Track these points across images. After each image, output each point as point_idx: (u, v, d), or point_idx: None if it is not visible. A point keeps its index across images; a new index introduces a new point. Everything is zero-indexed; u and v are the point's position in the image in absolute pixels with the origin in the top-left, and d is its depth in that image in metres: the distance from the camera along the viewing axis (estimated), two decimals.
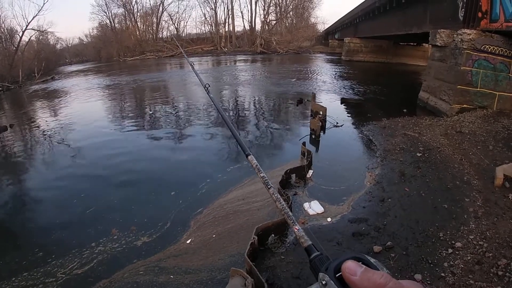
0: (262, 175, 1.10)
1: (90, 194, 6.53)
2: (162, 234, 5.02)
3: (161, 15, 60.38)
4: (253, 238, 4.11)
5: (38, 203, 6.65)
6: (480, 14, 9.65)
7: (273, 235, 4.55)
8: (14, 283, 4.15)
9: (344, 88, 17.68)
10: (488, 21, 9.57)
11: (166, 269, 4.25)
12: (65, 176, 7.67)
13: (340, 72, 25.13)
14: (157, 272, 4.20)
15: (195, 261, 4.36)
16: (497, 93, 9.78)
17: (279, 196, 1.01)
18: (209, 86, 2.49)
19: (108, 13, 59.35)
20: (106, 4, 58.29)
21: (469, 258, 3.94)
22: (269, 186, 1.05)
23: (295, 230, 0.85)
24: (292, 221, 0.88)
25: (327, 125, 10.21)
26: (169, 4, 77.57)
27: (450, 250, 4.10)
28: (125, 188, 6.82)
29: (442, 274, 3.72)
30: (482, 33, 9.54)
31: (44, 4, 42.21)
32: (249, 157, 1.25)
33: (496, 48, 9.52)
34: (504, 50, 9.51)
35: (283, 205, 0.97)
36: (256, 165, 1.16)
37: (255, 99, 16.38)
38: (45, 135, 11.50)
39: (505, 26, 8.96)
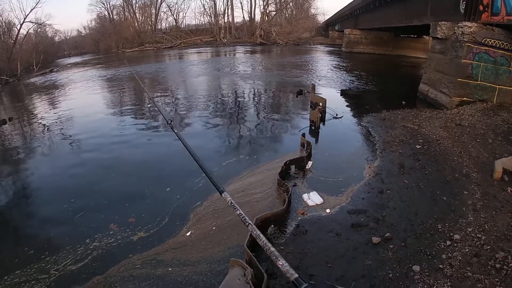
0: (238, 212, 1.10)
1: (85, 189, 6.47)
2: (160, 228, 5.00)
3: (160, 6, 59.96)
4: None
5: (32, 198, 6.62)
6: (481, 7, 9.58)
7: (272, 226, 4.58)
8: (6, 281, 4.12)
9: (344, 79, 17.62)
10: (489, 14, 9.50)
11: (164, 262, 4.25)
12: (61, 171, 7.62)
13: (340, 63, 25.00)
14: (154, 265, 4.20)
15: (195, 253, 4.37)
16: (497, 86, 9.76)
17: (259, 232, 1.02)
18: (171, 121, 2.47)
19: (107, 4, 58.95)
20: None
21: (467, 250, 3.97)
22: (247, 223, 1.06)
23: (279, 265, 0.85)
24: (275, 257, 0.89)
25: (327, 116, 10.21)
26: None
27: (448, 242, 4.13)
28: (122, 184, 6.72)
29: (440, 266, 3.75)
30: (483, 26, 9.48)
31: None
32: (223, 194, 1.25)
33: (497, 41, 9.48)
34: (505, 43, 9.47)
35: (264, 242, 0.97)
36: (231, 203, 1.16)
37: (254, 90, 16.32)
38: (43, 128, 11.47)
39: (506, 20, 8.90)
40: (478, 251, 3.93)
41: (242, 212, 0.90)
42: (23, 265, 4.37)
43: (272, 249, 0.74)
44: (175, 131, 1.99)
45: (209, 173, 1.29)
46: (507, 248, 3.94)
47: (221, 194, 1.02)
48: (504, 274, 3.56)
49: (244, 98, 14.74)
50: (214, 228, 4.89)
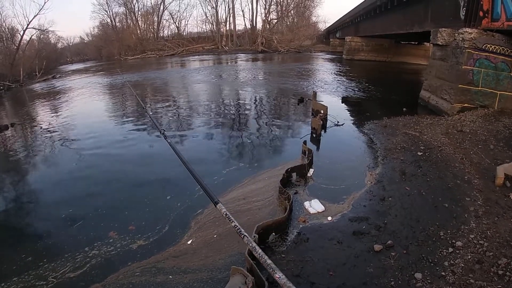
0: (233, 224, 1.10)
1: (85, 198, 6.44)
2: (160, 236, 4.97)
3: (162, 13, 60.46)
4: (254, 236, 4.10)
5: (32, 206, 6.57)
6: (481, 13, 9.64)
7: (273, 233, 4.56)
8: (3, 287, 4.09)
9: (345, 87, 17.67)
10: (490, 20, 9.56)
11: (165, 270, 4.22)
12: (62, 179, 7.59)
13: (341, 71, 25.10)
14: (154, 273, 4.17)
15: (195, 261, 4.35)
16: (498, 92, 9.78)
17: (255, 245, 1.02)
18: (164, 131, 2.48)
19: (109, 11, 59.55)
20: (107, 2, 58.44)
21: (469, 257, 3.95)
22: (243, 236, 1.06)
23: (276, 278, 0.85)
24: (272, 269, 0.89)
25: (328, 124, 10.22)
26: (170, 2, 77.26)
27: (450, 249, 4.11)
28: (121, 192, 6.66)
29: (443, 273, 3.73)
30: (484, 32, 9.52)
31: (45, 3, 42.05)
32: (218, 205, 1.25)
33: (497, 47, 9.52)
34: (505, 49, 9.51)
35: (260, 254, 0.97)
36: (226, 214, 1.16)
37: (255, 98, 16.35)
38: (45, 134, 11.49)
39: (506, 25, 8.94)
40: (481, 257, 3.91)
41: (237, 224, 0.88)
42: (21, 272, 4.33)
43: (269, 261, 0.73)
44: (168, 141, 1.98)
45: (203, 184, 1.27)
46: (509, 254, 3.92)
47: (215, 206, 1.00)
48: (506, 280, 3.54)
49: (245, 105, 14.77)
50: (215, 236, 4.86)
